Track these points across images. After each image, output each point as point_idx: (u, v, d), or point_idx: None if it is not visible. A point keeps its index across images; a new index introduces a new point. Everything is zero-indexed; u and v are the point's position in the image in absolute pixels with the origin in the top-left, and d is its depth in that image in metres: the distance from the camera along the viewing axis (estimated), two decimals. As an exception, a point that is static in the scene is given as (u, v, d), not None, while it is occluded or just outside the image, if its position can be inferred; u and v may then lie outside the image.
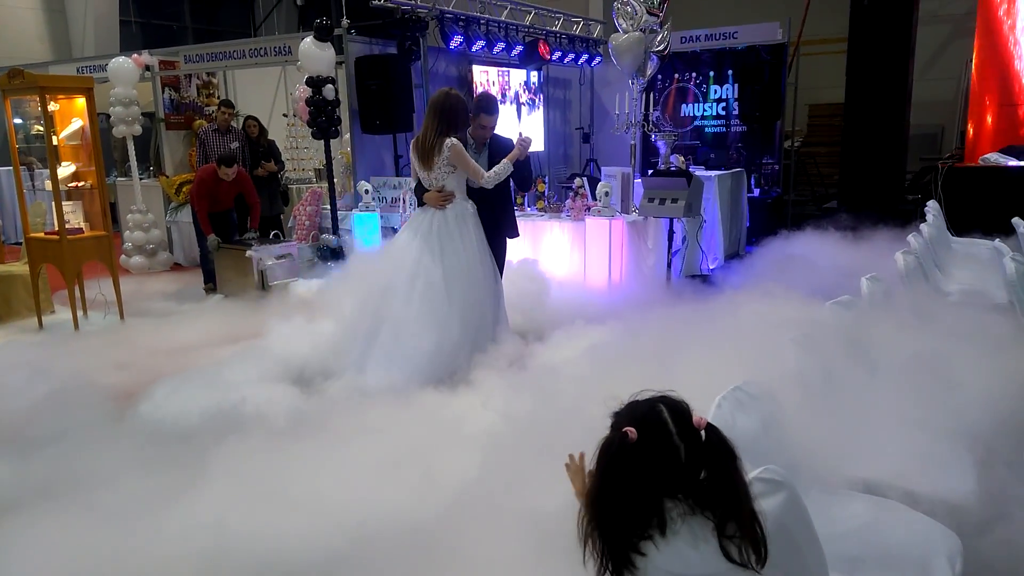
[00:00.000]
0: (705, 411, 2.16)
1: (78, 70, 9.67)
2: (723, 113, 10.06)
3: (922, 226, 5.25)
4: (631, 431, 1.47)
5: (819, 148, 11.98)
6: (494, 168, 4.59)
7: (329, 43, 7.17)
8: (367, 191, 7.43)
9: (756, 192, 9.42)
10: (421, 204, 4.62)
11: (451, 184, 4.51)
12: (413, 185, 4.80)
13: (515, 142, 4.68)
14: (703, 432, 1.51)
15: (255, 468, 3.08)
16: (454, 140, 4.40)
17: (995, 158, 7.88)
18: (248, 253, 6.68)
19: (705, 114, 10.18)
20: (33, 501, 2.95)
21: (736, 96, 9.72)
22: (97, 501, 2.86)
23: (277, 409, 3.92)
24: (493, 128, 4.79)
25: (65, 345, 5.58)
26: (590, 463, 1.59)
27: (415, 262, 4.44)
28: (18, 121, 6.25)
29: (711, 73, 10.03)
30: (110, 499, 2.86)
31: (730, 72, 9.85)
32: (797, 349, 2.66)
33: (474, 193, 4.67)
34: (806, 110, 12.21)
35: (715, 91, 10.07)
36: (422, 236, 4.49)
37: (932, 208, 5.93)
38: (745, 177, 9.00)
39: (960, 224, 7.19)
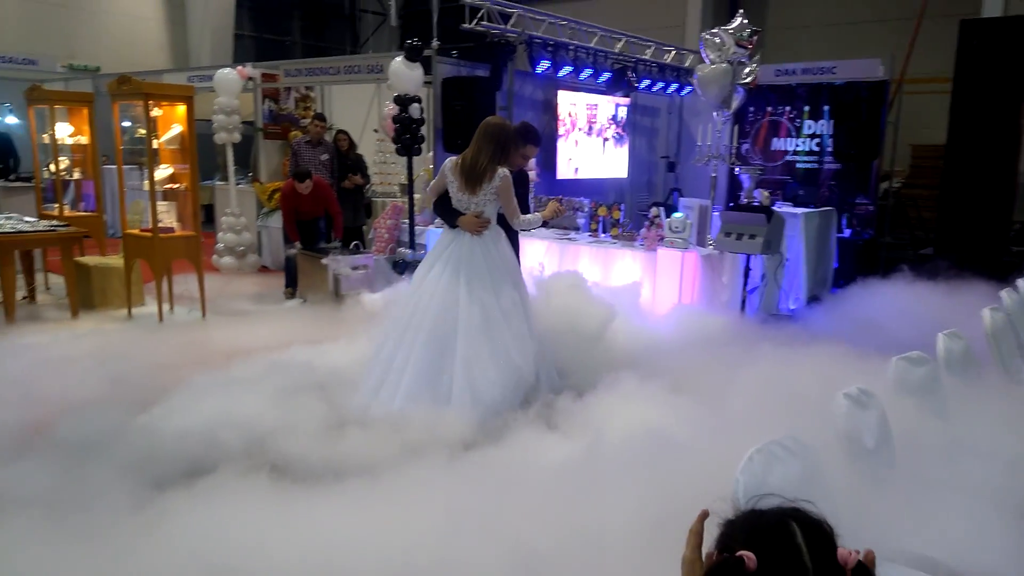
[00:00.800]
0: (733, 465, 2.07)
1: (188, 79, 10.28)
2: (816, 149, 9.72)
3: (1019, 281, 4.89)
4: (749, 559, 1.10)
5: (921, 190, 11.39)
6: (529, 216, 4.58)
7: (418, 63, 7.36)
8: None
9: (847, 233, 9.03)
10: (451, 225, 4.44)
11: (490, 211, 4.40)
12: (429, 201, 4.71)
13: (552, 206, 4.71)
14: (850, 572, 1.10)
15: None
16: (506, 172, 4.35)
17: (1115, 212, 7.29)
18: (324, 261, 6.89)
19: (797, 149, 9.86)
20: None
21: (831, 132, 9.38)
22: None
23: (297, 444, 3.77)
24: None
25: (139, 336, 5.93)
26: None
27: (468, 292, 4.31)
28: (126, 124, 6.66)
29: (806, 108, 9.72)
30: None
31: (826, 108, 9.52)
32: (850, 404, 2.51)
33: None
34: (908, 150, 11.67)
35: (809, 126, 9.74)
36: (465, 264, 4.35)
37: (1034, 262, 5.52)
38: (835, 216, 8.64)
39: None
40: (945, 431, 2.80)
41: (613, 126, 9.80)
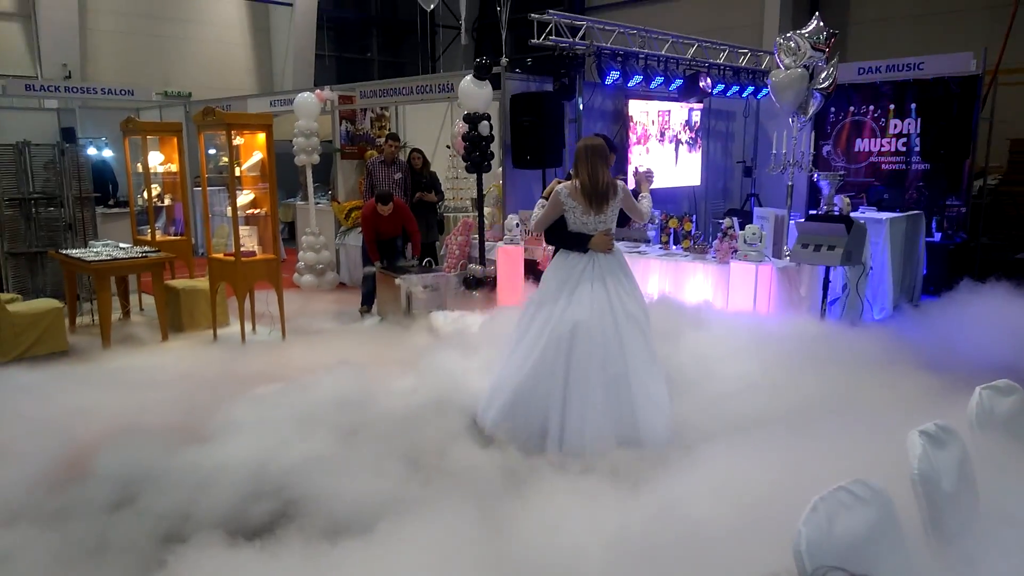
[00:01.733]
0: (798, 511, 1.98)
1: (271, 103, 10.70)
2: (903, 149, 9.26)
3: None
4: None
5: (1021, 187, 10.71)
6: (644, 204, 4.58)
7: (487, 81, 7.42)
8: (517, 224, 7.58)
9: (937, 237, 8.58)
10: (582, 249, 4.31)
11: (613, 226, 4.43)
12: (539, 230, 4.60)
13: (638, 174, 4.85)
14: None
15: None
16: (623, 183, 4.43)
17: None
18: (397, 281, 7.03)
19: (882, 150, 9.43)
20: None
21: (919, 131, 8.92)
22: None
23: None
24: None
25: (221, 359, 6.23)
26: None
27: (621, 311, 4.23)
28: (211, 152, 6.98)
29: (891, 106, 9.28)
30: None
31: (913, 106, 9.06)
32: (926, 443, 2.37)
33: None
34: (1005, 144, 10.98)
35: (895, 125, 9.30)
36: (612, 283, 4.26)
37: None
38: (924, 220, 8.21)
39: None
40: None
41: (687, 131, 9.62)
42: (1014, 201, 10.47)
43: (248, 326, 6.73)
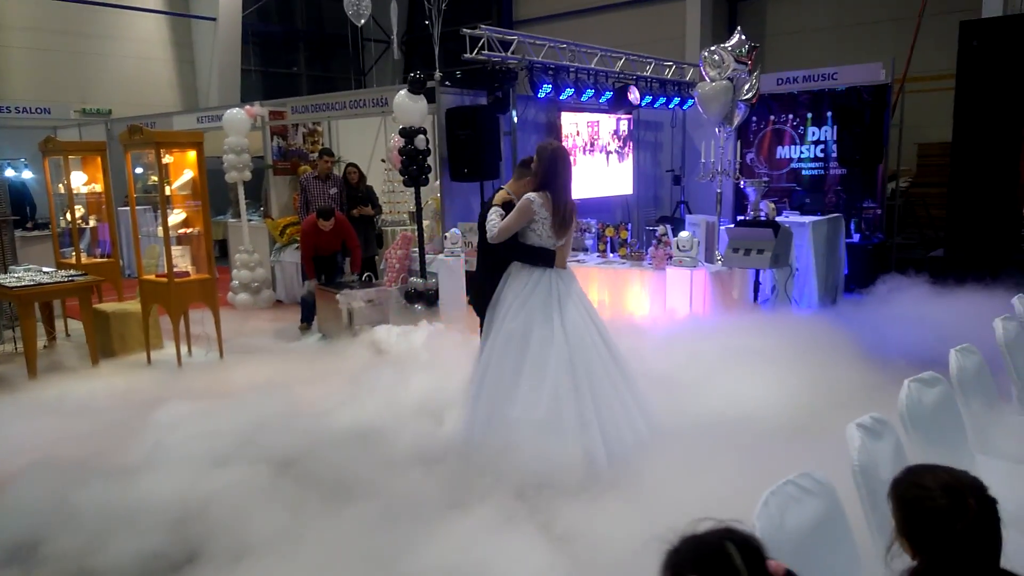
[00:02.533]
0: (749, 510, 2.08)
1: (198, 119, 10.46)
2: (821, 155, 9.73)
3: (1031, 286, 4.88)
4: None
5: (930, 189, 11.36)
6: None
7: (422, 95, 7.45)
8: (451, 238, 7.61)
9: (856, 238, 9.03)
10: (547, 265, 4.17)
11: None
12: (500, 236, 4.19)
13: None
14: None
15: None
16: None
17: None
18: (337, 297, 6.97)
19: (802, 156, 9.87)
20: None
21: (835, 138, 9.39)
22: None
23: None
24: None
25: (156, 383, 6.01)
26: None
27: (596, 320, 4.24)
28: (138, 171, 6.78)
29: (809, 115, 9.74)
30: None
31: (829, 114, 9.53)
32: (863, 435, 2.52)
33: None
34: (914, 149, 11.64)
35: (813, 133, 9.76)
36: (575, 303, 4.18)
37: (1047, 264, 5.50)
38: (843, 222, 8.63)
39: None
40: (961, 458, 2.80)
41: (616, 140, 9.83)
42: (924, 202, 11.10)
43: (184, 348, 6.55)
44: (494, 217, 4.20)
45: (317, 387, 5.47)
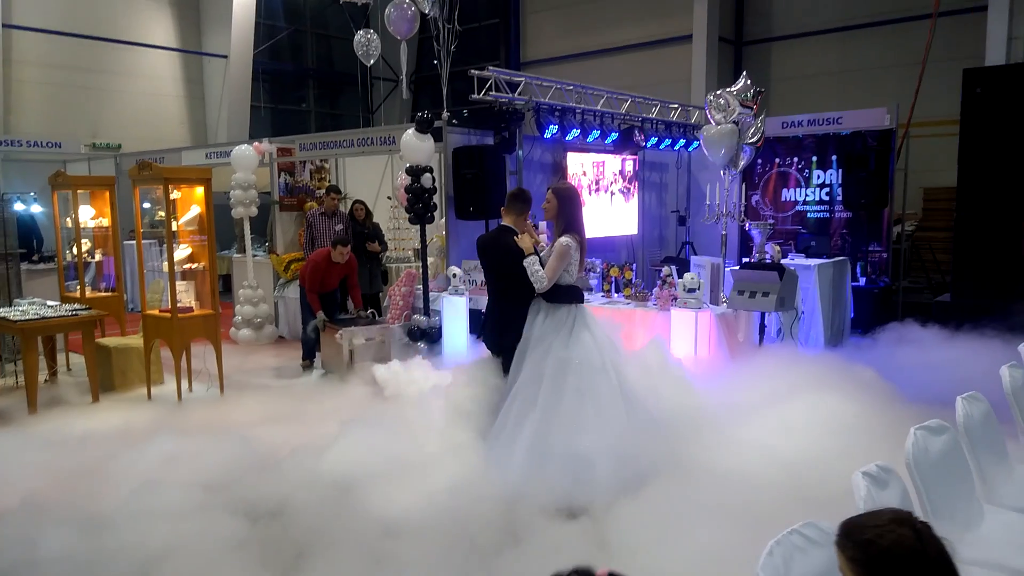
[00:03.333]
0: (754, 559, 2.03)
1: (207, 155, 10.56)
2: (826, 199, 9.76)
3: (1039, 333, 4.84)
4: None
5: (936, 233, 11.37)
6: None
7: (429, 135, 7.52)
8: (455, 275, 7.61)
9: (862, 281, 9.00)
10: (580, 300, 4.51)
11: None
12: (550, 282, 4.41)
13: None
14: None
15: None
16: None
17: None
18: (337, 334, 6.94)
19: (807, 199, 9.91)
20: None
21: (840, 182, 9.42)
22: None
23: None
24: None
25: (156, 417, 5.96)
26: None
27: (607, 358, 4.40)
28: (146, 205, 6.83)
29: (814, 158, 9.80)
30: None
31: (834, 157, 9.59)
32: (869, 484, 2.47)
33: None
34: (920, 192, 11.68)
35: (818, 176, 9.80)
36: (591, 330, 4.43)
37: (1054, 311, 5.45)
38: (849, 266, 8.61)
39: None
40: (969, 508, 2.74)
41: (620, 180, 9.87)
42: (930, 246, 11.09)
43: (184, 384, 6.52)
44: (536, 267, 4.39)
45: (311, 427, 5.37)
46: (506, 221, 4.76)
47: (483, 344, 4.98)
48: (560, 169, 8.90)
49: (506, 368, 4.59)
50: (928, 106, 10.77)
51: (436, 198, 7.71)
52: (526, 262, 4.39)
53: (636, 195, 10.21)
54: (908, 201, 10.21)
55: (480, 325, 5.33)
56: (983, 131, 7.93)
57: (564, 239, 4.39)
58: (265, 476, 4.38)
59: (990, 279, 7.95)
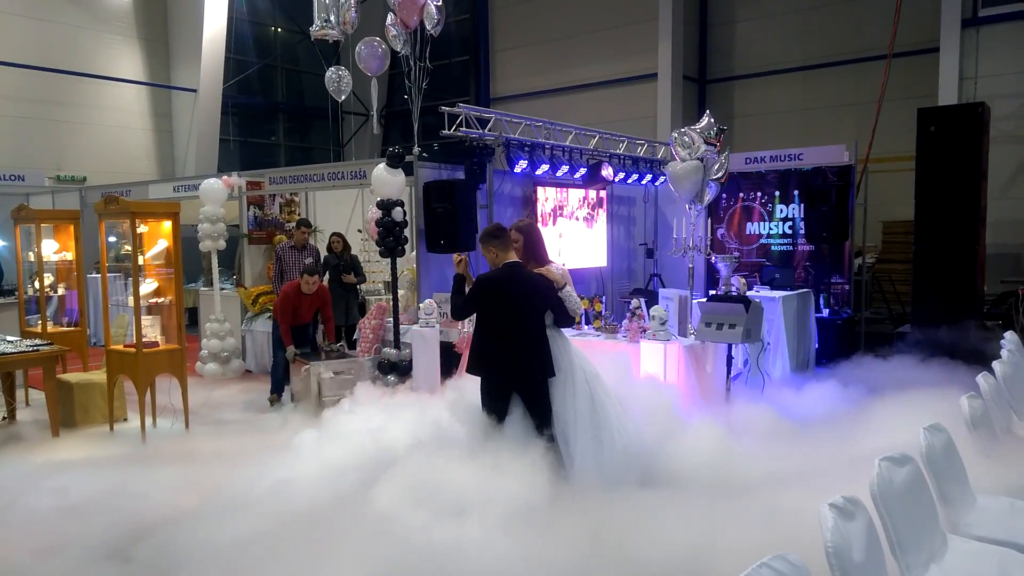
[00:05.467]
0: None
1: (174, 188, 10.49)
2: (789, 232, 9.98)
3: (995, 364, 4.98)
4: None
5: (896, 264, 11.67)
6: None
7: (400, 169, 7.56)
8: (427, 308, 7.60)
9: (825, 313, 9.19)
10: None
11: None
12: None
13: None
14: None
15: None
16: None
17: (1081, 285, 7.49)
18: (304, 368, 6.89)
19: (771, 233, 10.12)
20: None
21: (802, 216, 9.65)
22: None
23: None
24: None
25: (118, 454, 5.79)
26: None
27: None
28: (112, 239, 6.75)
29: (776, 193, 10.04)
30: None
31: (796, 192, 9.83)
32: (836, 516, 2.51)
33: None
34: (879, 226, 12.01)
35: (781, 210, 10.04)
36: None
37: (1009, 341, 5.61)
38: (812, 297, 8.80)
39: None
40: (934, 538, 2.80)
41: (584, 206, 9.89)
42: (890, 277, 11.38)
43: (149, 420, 6.39)
44: (574, 295, 4.91)
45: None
46: (499, 256, 4.73)
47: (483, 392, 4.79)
48: (530, 203, 8.99)
49: (527, 405, 4.67)
50: (885, 143, 11.13)
51: (407, 232, 7.73)
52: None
53: (604, 223, 10.28)
54: (868, 234, 10.49)
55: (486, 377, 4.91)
56: (937, 167, 8.20)
57: (556, 265, 4.85)
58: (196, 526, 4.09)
59: (948, 309, 8.17)
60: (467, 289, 4.82)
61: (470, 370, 4.81)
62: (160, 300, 6.58)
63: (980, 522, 3.29)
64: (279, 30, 19.00)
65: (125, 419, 6.79)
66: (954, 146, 8.07)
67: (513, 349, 4.62)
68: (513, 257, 4.74)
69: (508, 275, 4.67)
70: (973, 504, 3.42)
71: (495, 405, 4.65)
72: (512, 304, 4.61)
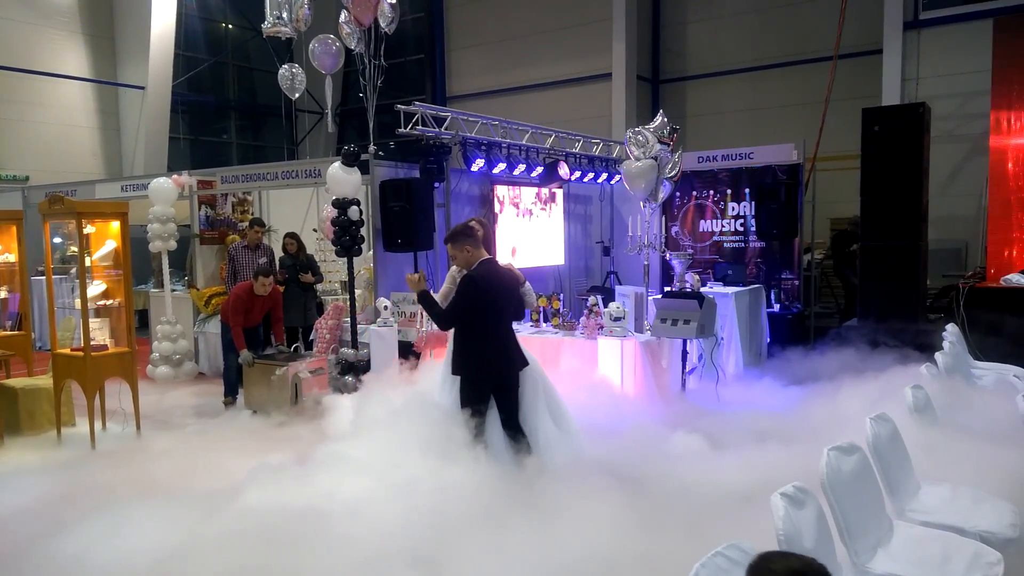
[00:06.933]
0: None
1: (122, 188, 10.23)
2: (741, 229, 10.19)
3: (937, 355, 5.17)
4: None
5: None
6: None
7: (356, 168, 7.50)
8: (385, 307, 7.57)
9: (776, 308, 9.40)
10: None
11: None
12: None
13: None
14: None
15: None
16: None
17: (1016, 279, 7.80)
18: (279, 371, 6.78)
19: (723, 230, 10.32)
20: None
21: (753, 213, 9.86)
22: None
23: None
24: None
25: (65, 461, 5.60)
26: None
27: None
28: (57, 240, 6.56)
29: (728, 191, 10.24)
30: None
31: (747, 190, 10.03)
32: (787, 504, 2.59)
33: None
34: (827, 223, 12.32)
35: (733, 208, 10.24)
36: None
37: (951, 334, 5.83)
38: (763, 293, 9.00)
39: (985, 346, 7.05)
40: (880, 524, 2.90)
41: (537, 201, 9.88)
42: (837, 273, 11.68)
43: (98, 424, 6.23)
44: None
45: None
46: (473, 253, 4.73)
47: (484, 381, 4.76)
48: (488, 201, 9.01)
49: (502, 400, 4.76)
50: (832, 142, 11.43)
51: (363, 231, 7.67)
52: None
53: (561, 221, 10.31)
54: (816, 231, 10.77)
55: (481, 365, 4.81)
56: (881, 165, 8.44)
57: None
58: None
59: (893, 303, 8.42)
60: (438, 300, 4.83)
61: (456, 371, 4.75)
62: (109, 302, 6.42)
63: (924, 508, 3.41)
64: (230, 27, 18.65)
65: (73, 424, 6.61)
66: (897, 145, 8.32)
67: (500, 345, 4.75)
68: (486, 254, 4.81)
69: (493, 272, 4.78)
70: (917, 491, 3.55)
71: (480, 406, 4.67)
72: (500, 301, 4.73)
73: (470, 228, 4.80)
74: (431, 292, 4.80)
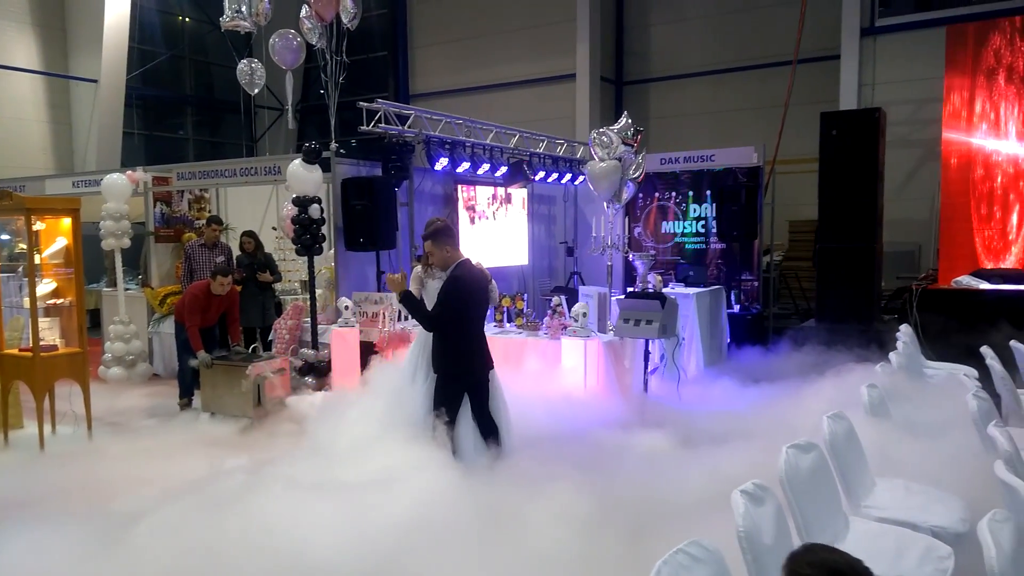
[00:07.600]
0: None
1: (74, 183, 9.95)
2: (702, 231, 10.30)
3: (891, 355, 5.28)
4: None
5: (801, 262, 12.20)
6: None
7: (317, 165, 7.39)
8: (347, 307, 7.48)
9: (736, 308, 9.52)
10: None
11: None
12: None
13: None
14: None
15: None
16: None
17: (967, 281, 8.03)
18: (248, 369, 6.64)
19: (685, 231, 10.42)
20: None
21: (714, 215, 9.98)
22: None
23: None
24: None
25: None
26: None
27: None
28: (4, 238, 6.35)
29: (690, 193, 10.34)
30: None
31: (708, 192, 10.15)
32: (747, 501, 2.61)
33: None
34: (786, 225, 12.54)
35: (694, 210, 10.35)
36: None
37: (904, 334, 5.97)
38: (724, 294, 9.11)
39: (937, 346, 7.24)
40: (836, 520, 2.94)
41: (494, 202, 9.86)
42: (796, 274, 11.90)
43: (48, 427, 6.04)
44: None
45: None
46: (452, 254, 4.74)
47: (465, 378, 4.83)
48: (452, 201, 8.96)
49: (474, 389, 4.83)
50: (791, 145, 11.63)
51: (324, 229, 7.57)
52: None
53: (525, 222, 10.31)
54: (776, 233, 10.95)
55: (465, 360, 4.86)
56: (839, 169, 8.63)
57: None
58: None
59: (849, 304, 8.61)
60: (421, 299, 4.78)
61: (437, 369, 4.75)
62: (59, 301, 6.22)
63: (878, 504, 3.48)
64: (187, 20, 18.25)
65: (21, 427, 6.40)
66: (854, 149, 8.51)
67: (477, 345, 4.85)
68: (463, 254, 4.82)
69: (473, 272, 4.80)
70: (872, 488, 3.62)
71: (454, 404, 4.69)
72: (481, 300, 4.86)
73: (450, 228, 4.85)
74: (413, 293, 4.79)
